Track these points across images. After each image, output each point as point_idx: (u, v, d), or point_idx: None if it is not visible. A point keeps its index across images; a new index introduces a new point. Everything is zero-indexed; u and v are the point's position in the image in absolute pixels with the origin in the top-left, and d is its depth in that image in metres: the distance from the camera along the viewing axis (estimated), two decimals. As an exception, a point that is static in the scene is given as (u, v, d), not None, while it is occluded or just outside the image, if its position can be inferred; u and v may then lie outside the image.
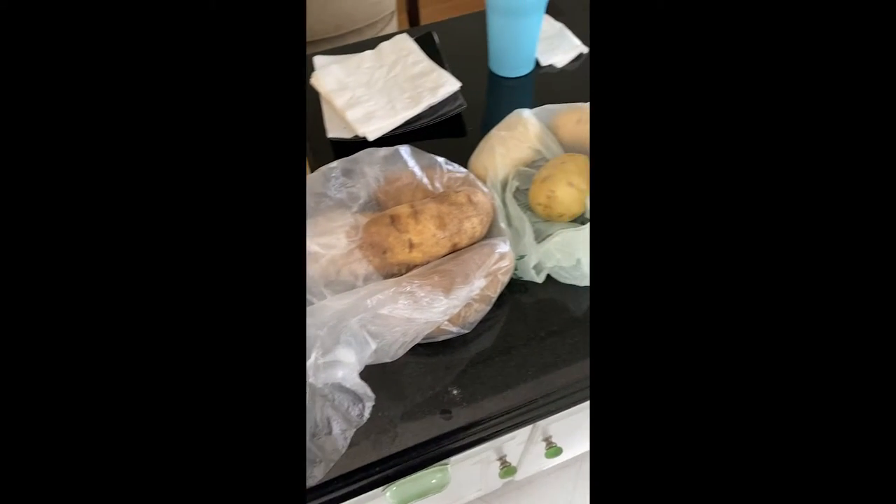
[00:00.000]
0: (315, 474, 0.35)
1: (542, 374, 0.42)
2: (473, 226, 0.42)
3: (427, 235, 0.40)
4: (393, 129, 0.59)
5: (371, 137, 0.58)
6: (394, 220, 0.40)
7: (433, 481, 0.50)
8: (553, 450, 0.67)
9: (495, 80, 0.68)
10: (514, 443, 0.62)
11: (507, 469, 0.67)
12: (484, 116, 0.64)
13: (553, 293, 0.46)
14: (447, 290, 0.37)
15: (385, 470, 0.39)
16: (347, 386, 0.33)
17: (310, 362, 0.33)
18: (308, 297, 0.40)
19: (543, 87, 0.67)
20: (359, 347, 0.34)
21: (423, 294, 0.37)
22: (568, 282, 0.45)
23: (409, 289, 0.37)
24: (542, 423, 0.59)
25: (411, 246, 0.39)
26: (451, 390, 0.41)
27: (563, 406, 0.42)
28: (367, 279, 0.43)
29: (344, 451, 0.35)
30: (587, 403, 0.44)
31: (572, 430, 0.70)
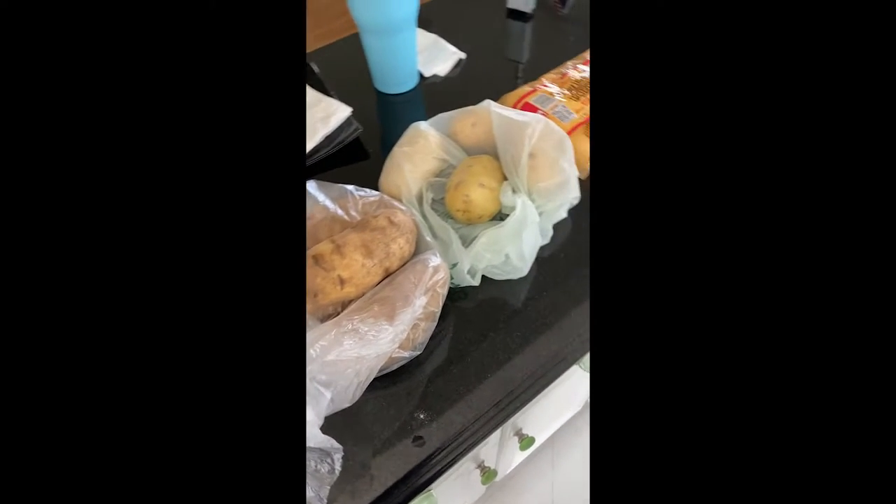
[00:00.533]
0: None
1: (500, 371, 0.42)
2: (401, 246, 0.41)
3: (356, 268, 0.38)
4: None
5: (271, 180, 0.56)
6: (317, 259, 0.38)
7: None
8: (526, 440, 0.68)
9: (384, 99, 0.68)
10: (488, 447, 0.62)
11: (487, 474, 0.67)
12: (381, 136, 0.64)
13: (490, 292, 0.47)
14: (390, 318, 0.37)
15: (371, 517, 0.37)
16: (312, 445, 0.31)
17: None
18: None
19: (431, 97, 0.68)
20: (314, 402, 0.32)
21: (367, 328, 0.36)
22: (501, 278, 0.47)
23: (350, 326, 0.35)
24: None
25: (342, 282, 0.38)
26: (417, 415, 0.40)
27: (527, 398, 0.43)
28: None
29: (323, 512, 0.33)
30: (548, 388, 0.46)
31: (538, 417, 0.72)
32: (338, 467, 0.35)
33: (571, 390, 0.74)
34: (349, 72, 0.70)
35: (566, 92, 0.56)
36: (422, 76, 0.69)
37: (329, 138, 0.59)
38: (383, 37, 0.60)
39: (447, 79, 0.70)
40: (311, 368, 0.33)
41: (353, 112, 0.61)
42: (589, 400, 1.08)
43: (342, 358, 0.34)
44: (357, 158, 0.61)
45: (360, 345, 0.35)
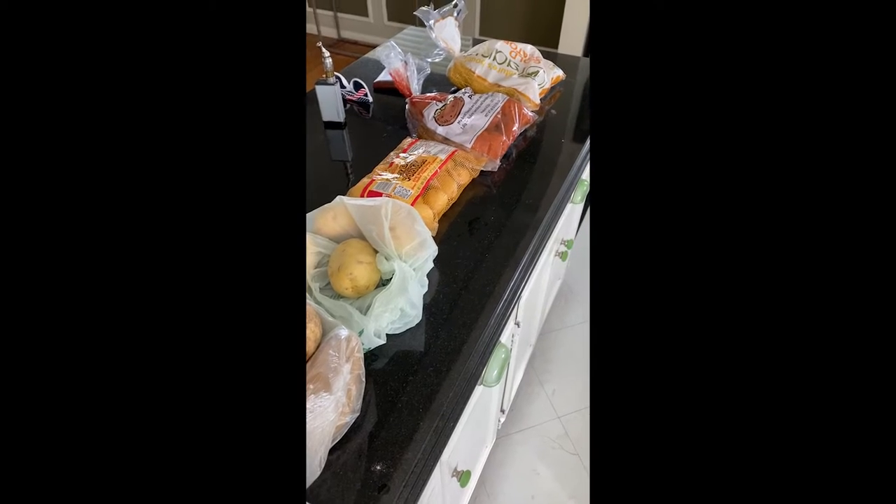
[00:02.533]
0: None
1: (429, 404, 0.50)
2: (312, 330, 0.47)
3: (282, 358, 0.43)
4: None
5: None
6: (245, 363, 0.41)
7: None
8: (464, 475, 0.74)
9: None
10: (434, 497, 0.67)
11: (464, 475, 0.70)
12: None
13: (396, 345, 0.55)
14: (328, 388, 0.42)
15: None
16: None
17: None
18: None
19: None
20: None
21: (311, 403, 0.40)
22: (401, 330, 0.55)
23: (297, 407, 0.40)
24: (442, 459, 0.66)
25: (274, 375, 0.42)
26: (374, 468, 0.44)
27: (457, 414, 0.51)
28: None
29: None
30: (465, 417, 0.54)
31: (466, 449, 0.79)
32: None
33: (484, 414, 0.83)
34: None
35: (398, 175, 0.70)
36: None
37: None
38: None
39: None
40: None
41: None
42: (500, 428, 1.18)
43: (301, 434, 0.38)
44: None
45: (311, 417, 0.39)
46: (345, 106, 0.97)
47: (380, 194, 0.68)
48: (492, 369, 0.69)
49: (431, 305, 0.59)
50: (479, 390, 0.68)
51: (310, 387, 0.42)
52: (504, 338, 0.71)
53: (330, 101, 0.88)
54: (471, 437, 0.77)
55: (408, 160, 0.73)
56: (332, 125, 0.91)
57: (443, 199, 0.70)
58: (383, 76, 1.03)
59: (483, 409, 0.80)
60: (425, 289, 0.59)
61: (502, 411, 1.13)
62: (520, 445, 1.26)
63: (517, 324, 0.84)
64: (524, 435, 1.29)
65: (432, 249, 0.61)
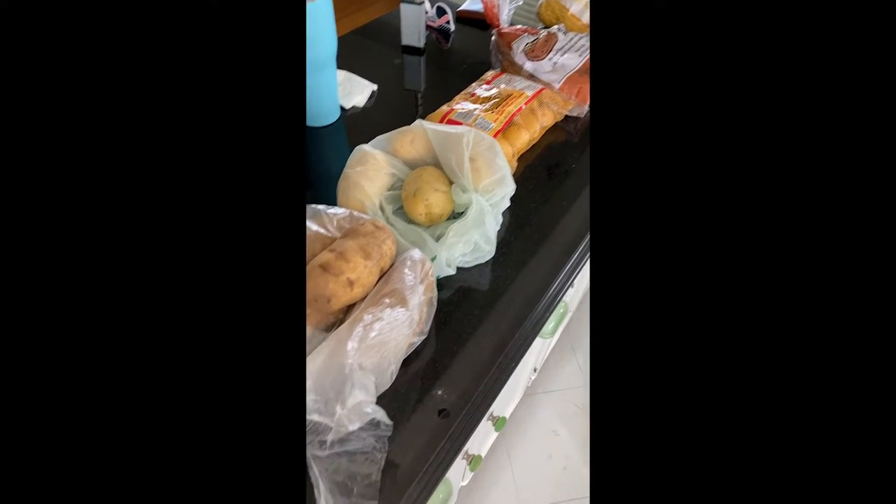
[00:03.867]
0: None
1: (493, 339, 0.48)
2: (389, 247, 0.46)
3: (360, 269, 0.42)
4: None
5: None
6: (325, 267, 0.41)
7: (441, 496, 0.52)
8: (500, 421, 0.74)
9: (310, 132, 0.71)
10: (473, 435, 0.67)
11: (473, 460, 0.71)
12: (314, 166, 0.67)
13: (464, 279, 0.53)
14: (404, 304, 0.41)
15: (419, 493, 0.40)
16: (379, 417, 0.34)
17: (336, 417, 0.32)
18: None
19: (353, 127, 0.74)
20: (365, 385, 0.35)
21: (387, 316, 0.39)
22: (472, 264, 0.53)
23: (373, 318, 0.39)
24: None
25: (351, 284, 0.41)
26: (435, 393, 0.44)
27: (520, 356, 0.49)
28: (309, 340, 0.43)
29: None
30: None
31: (504, 396, 0.79)
32: (383, 453, 0.38)
33: (524, 364, 0.83)
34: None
35: (480, 107, 0.66)
36: (342, 108, 0.74)
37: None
38: (309, 74, 0.65)
39: (364, 109, 0.76)
40: (354, 358, 0.35)
41: None
42: (529, 385, 1.18)
43: (377, 342, 0.37)
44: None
45: (387, 329, 0.38)
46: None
47: (460, 124, 0.64)
48: (551, 321, 0.67)
49: (502, 245, 0.57)
50: (536, 341, 0.67)
51: (385, 300, 0.41)
52: (567, 294, 0.69)
53: (413, 23, 0.83)
54: (507, 388, 0.77)
55: (491, 92, 0.69)
56: (410, 50, 0.87)
57: (524, 138, 0.66)
58: (469, 4, 0.96)
59: (524, 361, 0.79)
60: (499, 227, 0.57)
61: (535, 370, 1.13)
62: (544, 406, 1.27)
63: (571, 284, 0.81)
64: (550, 397, 1.29)
65: (511, 187, 0.58)
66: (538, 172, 0.66)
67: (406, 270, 0.44)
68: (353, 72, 0.80)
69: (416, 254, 0.47)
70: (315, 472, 0.37)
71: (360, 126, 0.73)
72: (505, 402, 0.84)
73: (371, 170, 0.57)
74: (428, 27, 0.94)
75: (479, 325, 0.49)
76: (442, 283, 0.53)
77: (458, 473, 0.73)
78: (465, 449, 0.71)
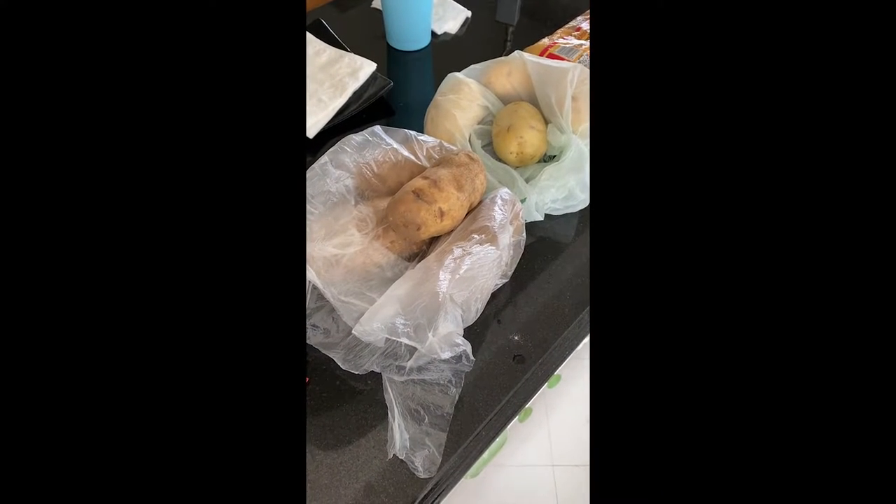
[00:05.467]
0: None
1: (576, 293, 0.46)
2: (482, 181, 0.43)
3: (453, 200, 0.40)
4: (328, 122, 0.56)
5: (310, 135, 0.54)
6: (418, 194, 0.39)
7: (499, 439, 0.51)
8: (555, 378, 0.73)
9: (395, 56, 0.68)
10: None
11: (525, 412, 0.71)
12: (399, 93, 0.64)
13: (550, 228, 0.50)
14: (494, 242, 0.39)
15: (488, 433, 0.39)
16: (467, 351, 0.33)
17: (427, 343, 0.31)
18: (349, 299, 0.37)
19: (441, 55, 0.69)
20: (453, 317, 0.34)
21: (477, 252, 0.37)
22: (562, 213, 0.50)
23: (464, 251, 0.37)
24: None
25: (442, 214, 0.39)
26: (511, 337, 0.43)
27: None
28: (392, 267, 0.42)
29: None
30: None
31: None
32: (459, 387, 0.37)
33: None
34: (355, 29, 0.69)
35: (587, 43, 0.60)
36: (433, 34, 0.70)
37: (358, 93, 0.59)
38: (403, -8, 0.60)
39: (456, 37, 0.71)
40: (447, 288, 0.34)
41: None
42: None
43: (468, 276, 0.35)
44: (385, 114, 0.61)
45: (477, 266, 0.37)
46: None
47: (562, 59, 0.59)
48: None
49: (593, 196, 0.53)
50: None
51: (475, 237, 0.39)
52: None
53: (517, -56, 0.75)
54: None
55: (599, 29, 0.62)
56: (508, -24, 0.80)
57: (630, 83, 0.60)
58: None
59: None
60: (593, 176, 0.52)
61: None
62: (588, 372, 1.25)
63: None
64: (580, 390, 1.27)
65: (612, 134, 0.53)
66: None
67: (497, 209, 0.42)
68: (446, -4, 0.74)
69: (507, 193, 0.44)
70: (391, 394, 0.37)
71: (449, 54, 0.69)
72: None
73: (464, 99, 0.53)
74: (530, -48, 0.85)
75: (563, 277, 0.47)
76: (528, 228, 0.50)
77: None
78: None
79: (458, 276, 0.35)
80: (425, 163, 0.46)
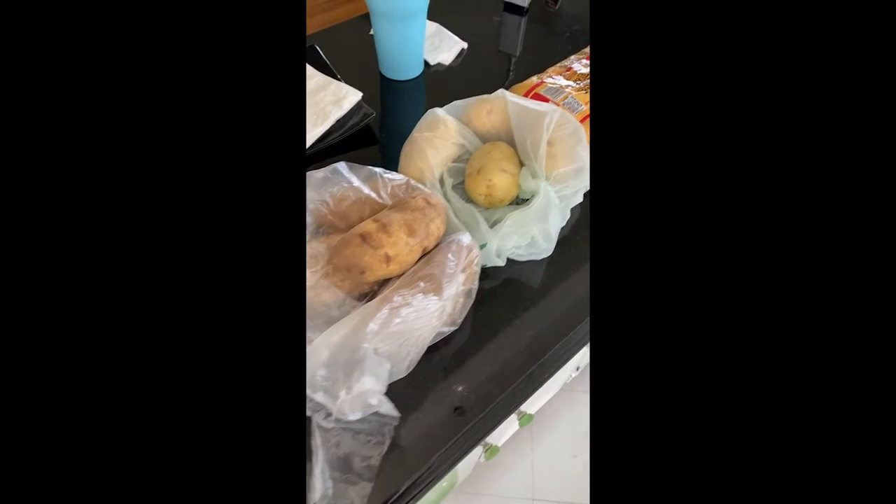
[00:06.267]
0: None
1: (530, 344, 0.45)
2: (437, 226, 0.43)
3: (401, 246, 0.39)
4: (308, 149, 0.56)
5: (286, 162, 0.55)
6: (364, 237, 0.39)
7: (444, 484, 0.50)
8: (525, 417, 0.71)
9: (388, 85, 0.68)
10: (494, 423, 0.65)
11: (490, 450, 0.69)
12: (386, 122, 0.64)
13: (514, 272, 0.49)
14: (438, 292, 0.38)
15: (418, 487, 0.38)
16: (383, 411, 0.32)
17: (338, 402, 0.31)
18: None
19: (435, 85, 0.69)
20: (377, 372, 0.33)
21: (417, 302, 0.37)
22: (525, 259, 0.49)
23: (402, 301, 0.36)
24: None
25: (388, 259, 0.39)
26: (456, 388, 0.42)
27: (555, 368, 0.45)
28: (339, 306, 0.41)
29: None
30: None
31: (536, 394, 0.75)
32: (388, 438, 0.36)
33: (565, 369, 0.78)
34: (353, 55, 0.70)
35: (574, 84, 0.59)
36: (426, 64, 0.70)
37: (340, 122, 0.59)
38: (396, 22, 0.61)
39: (450, 68, 0.71)
40: (372, 341, 0.34)
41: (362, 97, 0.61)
42: (568, 382, 1.13)
43: (399, 329, 0.35)
44: (367, 143, 0.61)
45: (413, 317, 0.36)
46: (532, -11, 0.84)
47: (546, 100, 0.58)
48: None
49: (563, 243, 0.52)
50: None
51: (420, 284, 0.38)
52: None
53: (520, -23, 0.75)
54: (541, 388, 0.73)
55: (589, 69, 0.61)
56: (512, 8, 0.80)
57: (615, 128, 0.58)
58: (587, -37, 0.86)
59: (565, 369, 0.75)
60: (564, 223, 0.51)
61: (577, 368, 1.08)
62: (582, 405, 1.22)
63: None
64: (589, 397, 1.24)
65: (588, 182, 0.52)
66: (623, 168, 0.59)
67: (450, 255, 0.41)
68: (446, 25, 0.75)
69: (465, 238, 0.44)
70: (317, 440, 0.36)
71: (443, 85, 0.69)
72: (534, 401, 0.81)
73: (438, 137, 0.53)
74: (537, -16, 0.85)
75: (519, 325, 0.46)
76: (488, 272, 0.49)
77: (469, 463, 0.72)
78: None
79: (388, 329, 0.35)
80: (388, 200, 0.46)
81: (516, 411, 0.72)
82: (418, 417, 0.40)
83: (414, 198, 0.43)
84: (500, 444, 0.72)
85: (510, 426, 0.78)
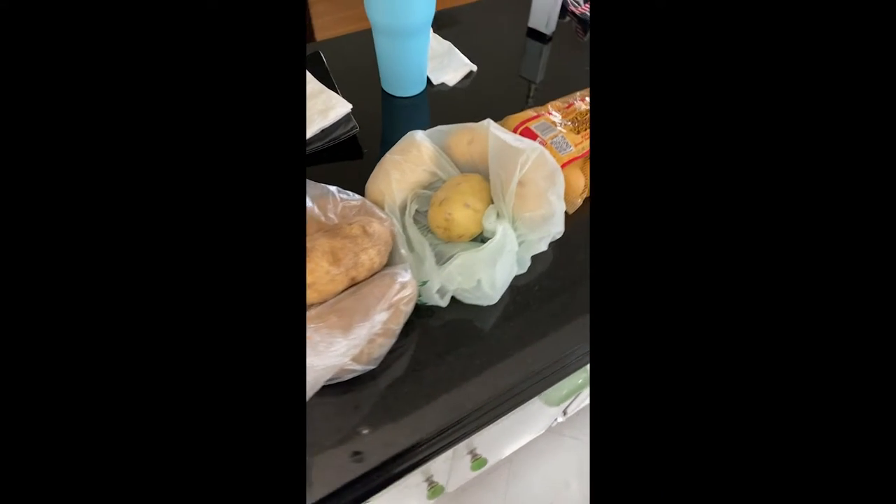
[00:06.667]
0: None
1: (452, 396, 0.42)
2: (371, 257, 0.41)
3: (320, 273, 0.38)
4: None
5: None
6: (283, 260, 0.37)
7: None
8: (478, 461, 0.68)
9: (389, 100, 0.67)
10: (438, 462, 0.62)
11: (434, 489, 0.66)
12: (381, 137, 0.63)
13: (458, 313, 0.46)
14: (346, 330, 0.36)
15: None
16: None
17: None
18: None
19: (437, 105, 0.68)
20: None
21: (319, 338, 0.35)
22: (471, 302, 0.46)
23: (307, 334, 0.35)
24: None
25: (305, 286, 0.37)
26: (360, 430, 0.39)
27: (476, 427, 0.42)
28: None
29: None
30: (509, 414, 0.45)
31: (494, 439, 0.71)
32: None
33: (531, 417, 0.74)
34: (359, 66, 0.69)
35: (568, 123, 0.56)
36: (430, 82, 0.68)
37: (325, 132, 0.59)
38: (396, 39, 0.60)
39: (455, 89, 0.69)
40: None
41: (354, 109, 0.60)
42: (552, 425, 1.07)
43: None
44: (351, 156, 0.60)
45: (311, 353, 0.34)
46: (562, 17, 0.81)
47: (535, 136, 0.55)
48: (560, 389, 0.58)
49: (520, 292, 0.48)
50: (535, 402, 0.58)
51: (331, 318, 0.37)
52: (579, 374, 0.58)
53: (544, 5, 0.72)
54: (502, 433, 0.69)
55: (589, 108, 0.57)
56: (535, 34, 0.77)
57: (605, 175, 0.54)
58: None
59: (530, 415, 0.70)
60: (523, 270, 0.48)
61: (564, 412, 1.02)
62: (566, 451, 1.16)
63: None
64: (577, 443, 1.17)
65: (556, 230, 0.48)
66: (608, 220, 0.54)
67: (376, 291, 0.39)
68: (468, 44, 0.73)
69: (404, 275, 0.41)
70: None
71: (450, 104, 0.67)
72: (496, 446, 0.76)
73: (409, 161, 0.51)
74: (569, 12, 0.81)
75: (448, 374, 0.43)
76: (433, 311, 0.46)
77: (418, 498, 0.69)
78: (428, 474, 0.66)
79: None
80: (335, 220, 0.44)
81: (470, 452, 0.68)
82: (312, 452, 0.38)
83: (351, 224, 0.41)
84: (445, 485, 0.68)
85: (463, 470, 0.74)
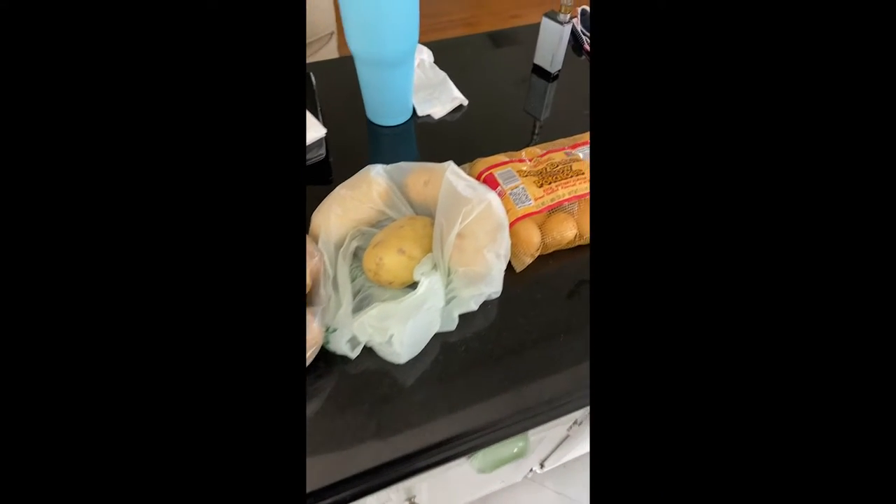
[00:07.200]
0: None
1: (342, 454, 0.39)
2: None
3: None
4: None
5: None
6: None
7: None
8: (413, 512, 0.64)
9: (373, 128, 0.66)
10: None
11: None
12: (363, 164, 0.62)
13: (372, 363, 0.44)
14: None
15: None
16: None
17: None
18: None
19: (426, 137, 0.66)
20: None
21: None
22: (384, 357, 0.43)
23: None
24: (403, 483, 0.57)
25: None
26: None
27: (359, 494, 0.39)
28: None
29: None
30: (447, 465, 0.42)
31: (437, 487, 0.67)
32: None
33: (465, 477, 0.69)
34: (347, 91, 0.69)
35: (536, 174, 0.52)
36: (416, 113, 0.67)
37: (295, 155, 0.58)
38: (378, 69, 0.59)
39: (442, 121, 0.67)
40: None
41: (340, 135, 0.60)
42: (529, 476, 1.01)
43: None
44: (317, 181, 0.59)
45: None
46: (579, 54, 0.77)
47: (496, 184, 0.51)
48: (489, 455, 0.53)
49: (445, 350, 0.45)
50: (462, 465, 0.54)
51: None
52: (534, 432, 0.53)
53: (550, 42, 0.69)
54: (444, 489, 0.65)
55: (570, 158, 0.53)
56: (540, 71, 0.73)
57: (567, 235, 0.50)
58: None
59: (463, 475, 0.66)
60: (450, 329, 0.45)
61: (541, 465, 0.95)
62: (547, 502, 1.08)
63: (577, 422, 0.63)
64: (561, 499, 1.10)
65: (491, 290, 0.44)
66: (560, 284, 0.50)
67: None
68: (461, 76, 0.71)
69: (313, 322, 0.40)
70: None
71: (436, 137, 0.65)
72: (446, 500, 0.72)
73: (355, 198, 0.49)
74: (584, 50, 0.77)
75: (340, 430, 0.40)
76: (344, 359, 0.44)
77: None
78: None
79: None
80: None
81: (409, 499, 0.65)
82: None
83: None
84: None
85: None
